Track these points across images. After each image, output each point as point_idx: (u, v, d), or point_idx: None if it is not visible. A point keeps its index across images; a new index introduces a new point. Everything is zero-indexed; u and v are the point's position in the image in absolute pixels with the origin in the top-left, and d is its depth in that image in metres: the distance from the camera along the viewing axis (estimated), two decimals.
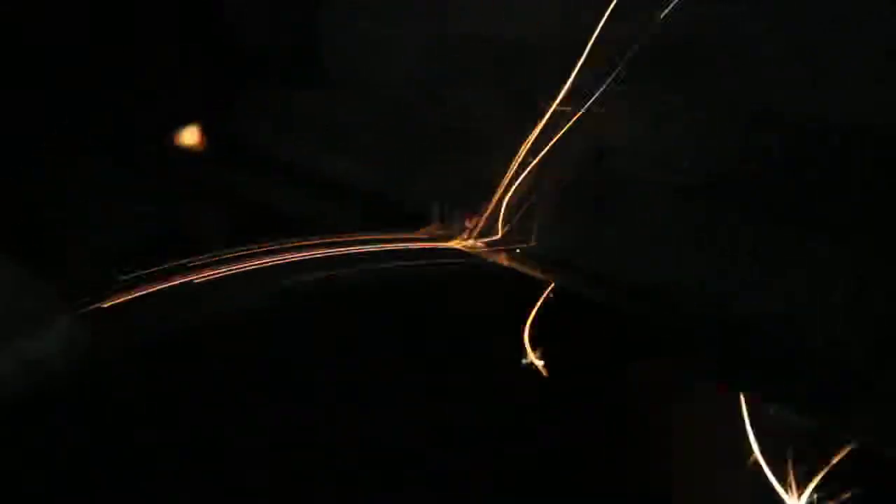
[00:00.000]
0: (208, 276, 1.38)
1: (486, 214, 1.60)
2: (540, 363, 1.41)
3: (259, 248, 1.44)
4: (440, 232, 1.62)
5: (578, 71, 1.59)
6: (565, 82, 1.59)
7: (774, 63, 1.52)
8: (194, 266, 1.37)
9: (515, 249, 1.59)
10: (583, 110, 1.57)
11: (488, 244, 1.60)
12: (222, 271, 1.39)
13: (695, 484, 1.30)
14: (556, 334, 1.45)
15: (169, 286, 1.34)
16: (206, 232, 1.66)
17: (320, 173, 1.82)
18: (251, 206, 1.77)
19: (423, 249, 1.56)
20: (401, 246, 1.53)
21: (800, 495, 1.25)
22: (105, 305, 1.26)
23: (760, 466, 1.28)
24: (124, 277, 1.32)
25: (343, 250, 1.48)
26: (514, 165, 1.59)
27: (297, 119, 1.94)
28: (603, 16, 1.56)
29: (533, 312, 1.45)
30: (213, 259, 1.39)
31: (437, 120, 1.73)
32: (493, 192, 1.60)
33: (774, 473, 1.27)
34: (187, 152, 1.92)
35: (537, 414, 1.38)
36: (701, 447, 1.33)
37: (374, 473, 1.25)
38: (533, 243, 1.58)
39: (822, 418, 1.33)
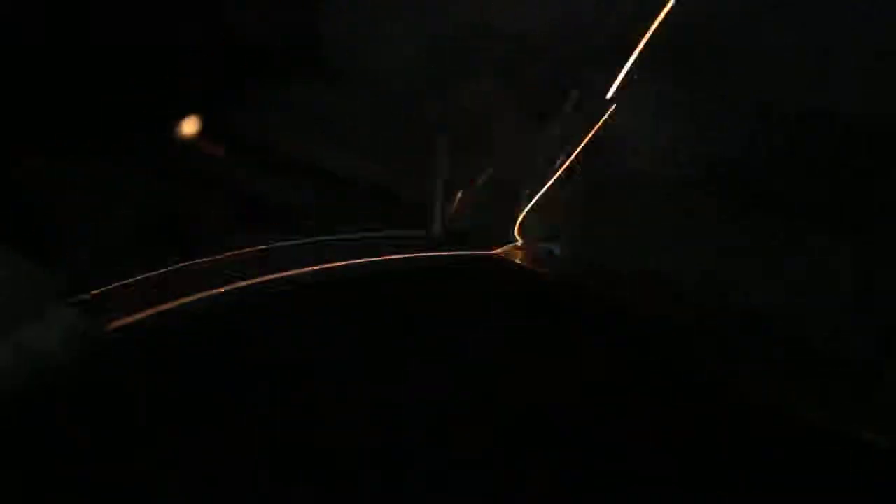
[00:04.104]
0: (209, 268, 1.37)
1: (487, 208, 1.60)
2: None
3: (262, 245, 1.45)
4: (442, 226, 1.62)
5: (582, 65, 1.59)
6: (569, 76, 1.59)
7: (778, 58, 1.53)
8: (195, 258, 1.37)
9: (519, 243, 1.59)
10: (585, 104, 1.58)
11: (490, 237, 1.60)
12: (223, 264, 1.39)
13: None
14: (558, 326, 1.45)
15: (169, 279, 1.34)
16: (207, 224, 1.65)
17: (321, 166, 1.81)
18: (252, 199, 1.77)
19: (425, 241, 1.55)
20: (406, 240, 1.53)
21: None
22: (105, 298, 1.26)
23: None
24: (125, 270, 1.32)
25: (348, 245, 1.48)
26: (517, 159, 1.59)
27: (298, 112, 1.93)
28: (606, 10, 1.56)
29: None
30: (216, 253, 1.39)
31: (439, 114, 1.73)
32: (495, 187, 1.60)
33: None
34: (189, 146, 1.92)
35: (536, 406, 1.38)
36: None
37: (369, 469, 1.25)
38: (537, 236, 1.58)
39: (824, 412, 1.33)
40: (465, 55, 1.79)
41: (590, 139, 1.59)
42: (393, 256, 1.49)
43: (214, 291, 1.33)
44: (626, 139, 1.60)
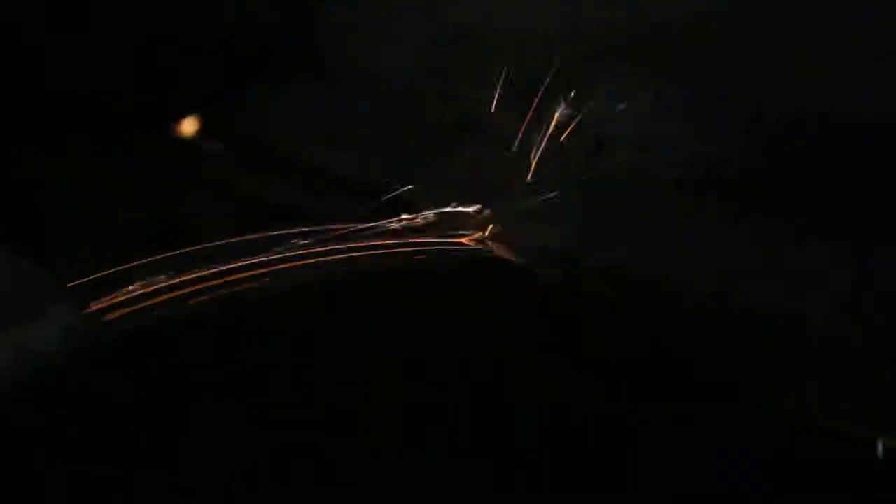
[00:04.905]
0: (207, 268, 1.37)
1: (487, 208, 1.60)
2: None
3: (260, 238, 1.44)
4: (442, 226, 1.62)
5: (579, 63, 1.59)
6: (566, 75, 1.59)
7: (778, 58, 1.53)
8: (193, 258, 1.37)
9: (517, 243, 1.59)
10: (583, 103, 1.58)
11: (489, 238, 1.60)
12: (221, 264, 1.39)
13: None
14: (556, 328, 1.45)
15: (167, 278, 1.34)
16: (207, 224, 1.66)
17: (320, 167, 1.82)
18: (251, 200, 1.78)
19: (428, 243, 1.55)
20: (405, 240, 1.53)
21: None
22: (104, 297, 1.26)
23: None
24: (122, 269, 1.32)
25: (347, 244, 1.48)
26: (514, 159, 1.59)
27: (297, 112, 1.94)
28: (605, 8, 1.56)
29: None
30: (214, 249, 1.39)
31: (438, 114, 1.73)
32: (494, 187, 1.60)
33: None
34: (188, 146, 1.92)
35: (536, 406, 1.38)
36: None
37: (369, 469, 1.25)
38: (533, 237, 1.58)
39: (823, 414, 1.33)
40: (463, 55, 1.79)
41: (589, 139, 1.59)
42: (391, 245, 1.49)
43: (212, 288, 1.33)
44: (626, 139, 1.60)
